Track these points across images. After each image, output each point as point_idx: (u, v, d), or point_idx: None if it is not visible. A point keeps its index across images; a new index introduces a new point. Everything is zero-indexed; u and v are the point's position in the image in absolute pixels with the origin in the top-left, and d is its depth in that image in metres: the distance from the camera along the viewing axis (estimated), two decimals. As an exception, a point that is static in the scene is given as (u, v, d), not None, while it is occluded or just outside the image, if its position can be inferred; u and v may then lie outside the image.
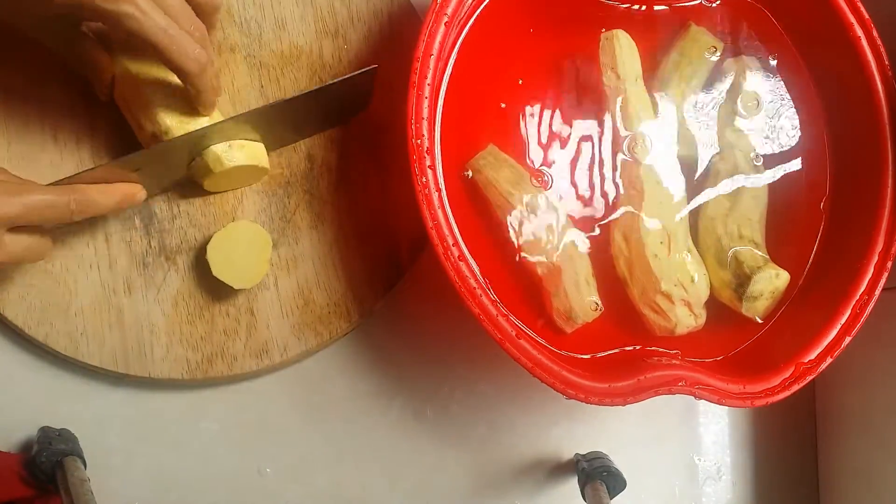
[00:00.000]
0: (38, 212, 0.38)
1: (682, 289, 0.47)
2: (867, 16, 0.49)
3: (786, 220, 0.51)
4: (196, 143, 0.44)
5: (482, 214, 0.48)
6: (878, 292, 0.47)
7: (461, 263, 0.43)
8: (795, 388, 0.45)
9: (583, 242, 0.48)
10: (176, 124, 0.44)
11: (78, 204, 0.40)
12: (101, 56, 0.44)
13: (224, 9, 0.50)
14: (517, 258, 0.47)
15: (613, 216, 0.49)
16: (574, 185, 0.49)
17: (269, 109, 0.45)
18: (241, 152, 0.45)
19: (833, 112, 0.52)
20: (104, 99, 0.46)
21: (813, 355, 0.46)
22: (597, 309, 0.47)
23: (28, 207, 0.38)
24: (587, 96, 0.50)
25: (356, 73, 0.46)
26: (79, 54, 0.44)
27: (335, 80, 0.46)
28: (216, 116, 0.46)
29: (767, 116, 0.52)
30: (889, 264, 0.47)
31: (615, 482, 0.48)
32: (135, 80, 0.44)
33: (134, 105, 0.45)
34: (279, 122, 0.47)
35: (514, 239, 0.47)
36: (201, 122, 0.45)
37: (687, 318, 0.47)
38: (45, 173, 0.47)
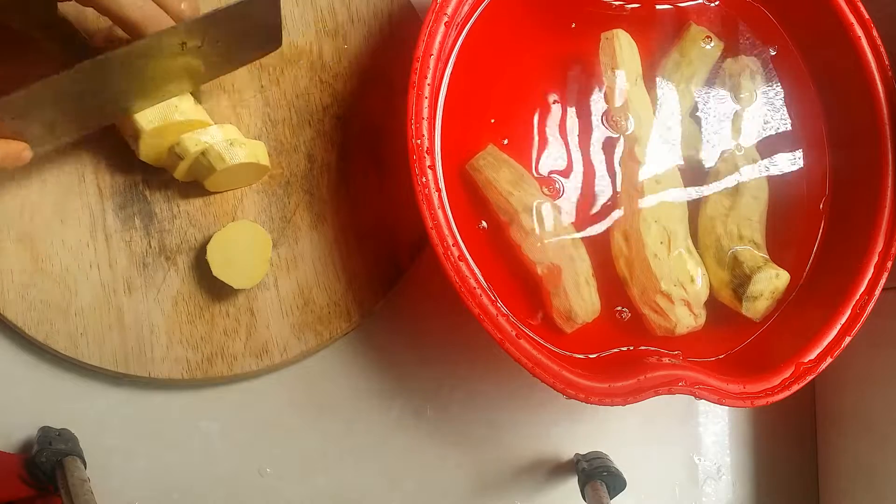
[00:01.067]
0: None
1: (682, 289, 0.47)
2: (867, 16, 0.49)
3: (786, 220, 0.51)
4: (100, 73, 0.40)
5: (482, 215, 0.48)
6: (878, 292, 0.47)
7: (461, 263, 0.43)
8: (795, 388, 0.45)
9: (582, 242, 0.48)
10: (156, 121, 0.44)
11: None
12: (72, 43, 0.44)
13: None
14: (517, 258, 0.47)
15: (613, 216, 0.49)
16: (574, 184, 0.49)
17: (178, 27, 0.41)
18: (242, 150, 0.45)
19: (833, 111, 0.52)
20: None
21: (813, 355, 0.46)
22: (621, 314, 0.48)
23: None
24: (587, 96, 0.50)
25: None
26: (57, 38, 0.44)
27: (232, 4, 0.41)
28: (222, 127, 0.46)
29: (767, 116, 0.52)
30: (889, 264, 0.47)
31: (615, 482, 0.48)
32: None
33: None
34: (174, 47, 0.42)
35: (514, 238, 0.47)
36: (184, 113, 0.45)
37: (687, 317, 0.47)
38: (45, 172, 0.47)
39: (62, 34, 0.44)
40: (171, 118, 0.44)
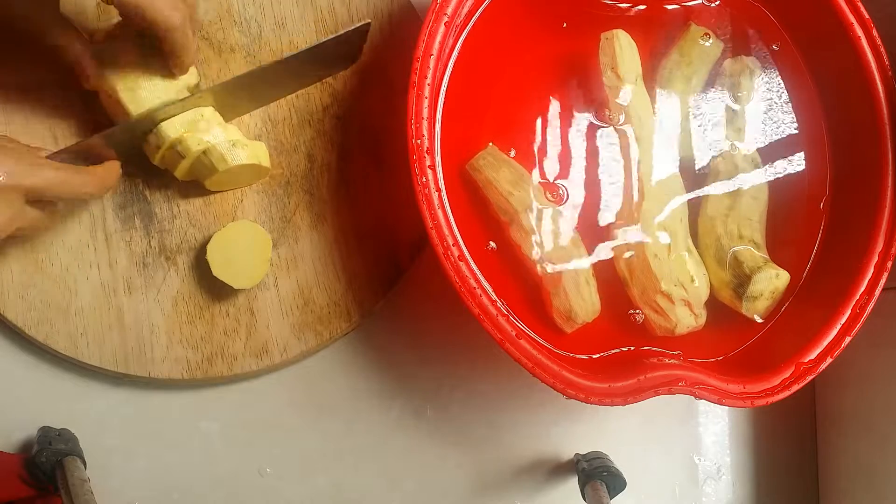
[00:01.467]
0: (56, 187, 0.40)
1: (682, 289, 0.47)
2: (867, 16, 0.49)
3: (786, 220, 0.51)
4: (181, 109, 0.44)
5: (482, 214, 0.48)
6: (878, 292, 0.47)
7: (461, 263, 0.43)
8: (795, 388, 0.45)
9: (583, 242, 0.48)
10: (182, 129, 0.44)
11: (92, 185, 0.41)
12: (74, 41, 0.44)
13: (224, 9, 0.50)
14: (517, 258, 0.47)
15: (613, 216, 0.49)
16: (574, 186, 0.49)
17: (256, 73, 0.45)
18: (244, 151, 0.45)
19: (833, 112, 0.52)
20: (87, 87, 0.45)
21: (813, 355, 0.46)
22: (635, 317, 0.47)
23: (49, 181, 0.39)
24: (587, 97, 0.50)
25: (350, 29, 0.46)
26: (54, 39, 0.44)
27: (328, 39, 0.46)
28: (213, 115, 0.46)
29: (767, 116, 0.52)
30: (889, 264, 0.47)
31: (615, 482, 0.48)
32: (114, 96, 0.44)
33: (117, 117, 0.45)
34: (266, 84, 0.47)
35: (514, 238, 0.47)
36: (209, 122, 0.45)
37: (687, 318, 0.47)
38: (45, 173, 0.47)
39: (64, 33, 0.44)
40: (197, 126, 0.44)
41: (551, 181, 0.49)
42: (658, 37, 0.52)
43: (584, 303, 0.46)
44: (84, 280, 0.47)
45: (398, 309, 0.52)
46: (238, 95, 0.47)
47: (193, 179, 0.47)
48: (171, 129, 0.44)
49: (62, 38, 0.44)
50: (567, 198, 0.48)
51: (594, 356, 0.48)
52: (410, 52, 0.44)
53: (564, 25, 0.51)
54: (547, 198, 0.47)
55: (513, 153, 0.48)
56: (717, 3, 0.52)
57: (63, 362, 0.47)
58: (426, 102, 0.44)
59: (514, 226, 0.47)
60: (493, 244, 0.47)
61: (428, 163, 0.43)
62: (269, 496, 0.50)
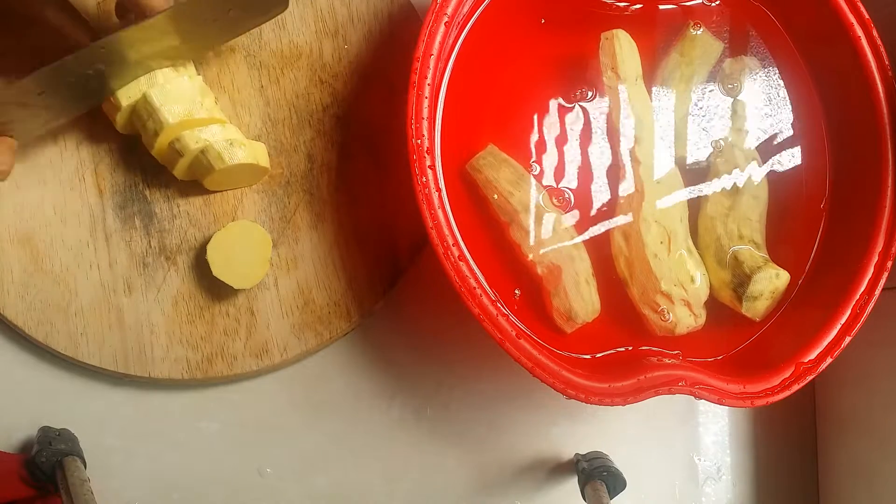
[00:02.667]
0: None
1: (682, 289, 0.47)
2: (867, 16, 0.49)
3: (786, 220, 0.51)
4: (111, 54, 0.42)
5: (482, 214, 0.48)
6: (878, 292, 0.47)
7: (461, 263, 0.43)
8: (795, 388, 0.45)
9: (582, 242, 0.48)
10: (180, 116, 0.44)
11: (6, 163, 0.40)
12: (73, 22, 0.43)
13: (224, 9, 0.50)
14: (517, 258, 0.47)
15: (613, 216, 0.49)
16: (575, 186, 0.49)
17: (181, 6, 0.43)
18: (241, 150, 0.45)
19: (833, 112, 0.52)
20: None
21: (813, 355, 0.46)
22: (664, 315, 0.47)
23: None
24: (587, 97, 0.50)
25: None
26: (54, 20, 0.43)
27: None
28: (215, 112, 0.46)
29: (767, 116, 0.52)
30: (889, 264, 0.47)
31: (615, 482, 0.48)
32: None
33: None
34: (194, 19, 0.44)
35: (514, 238, 0.47)
36: (208, 110, 0.45)
37: (687, 318, 0.47)
38: (45, 172, 0.47)
39: (63, 13, 0.44)
40: (195, 114, 0.44)
41: (555, 186, 0.49)
42: (658, 37, 0.52)
43: (584, 303, 0.46)
44: (84, 280, 0.47)
45: (398, 309, 0.52)
46: (183, 27, 0.44)
47: (193, 179, 0.47)
48: (170, 113, 0.44)
49: (62, 19, 0.44)
50: (572, 203, 0.48)
51: (594, 356, 0.48)
52: (410, 52, 0.44)
53: (569, 26, 0.51)
54: (553, 203, 0.47)
55: (535, 170, 0.48)
56: (717, 2, 0.52)
57: (63, 362, 0.47)
58: (426, 102, 0.44)
59: (514, 226, 0.47)
60: (517, 292, 0.47)
61: (428, 163, 0.43)
62: (269, 496, 0.50)
